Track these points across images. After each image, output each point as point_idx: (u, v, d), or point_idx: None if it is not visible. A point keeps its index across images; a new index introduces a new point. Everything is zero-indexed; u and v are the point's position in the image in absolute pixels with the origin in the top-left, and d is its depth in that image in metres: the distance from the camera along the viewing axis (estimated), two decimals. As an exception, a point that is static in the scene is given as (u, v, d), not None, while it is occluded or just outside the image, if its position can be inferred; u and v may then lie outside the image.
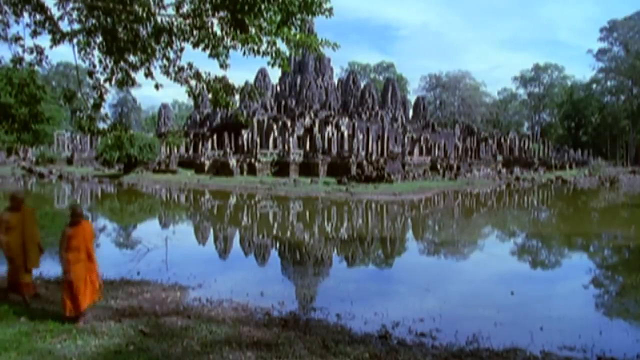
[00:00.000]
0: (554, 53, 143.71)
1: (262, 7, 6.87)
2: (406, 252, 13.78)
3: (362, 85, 62.62)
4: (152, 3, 7.51)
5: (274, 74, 66.27)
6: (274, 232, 16.17)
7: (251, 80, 57.08)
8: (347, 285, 9.23)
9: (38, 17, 7.85)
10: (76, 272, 5.77)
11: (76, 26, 7.91)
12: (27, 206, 6.74)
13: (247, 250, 13.40)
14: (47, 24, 7.84)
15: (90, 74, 8.22)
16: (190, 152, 50.63)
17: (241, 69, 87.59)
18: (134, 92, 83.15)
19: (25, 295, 6.51)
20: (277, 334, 5.89)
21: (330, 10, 7.09)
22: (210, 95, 8.25)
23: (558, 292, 9.40)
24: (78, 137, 57.19)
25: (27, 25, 7.90)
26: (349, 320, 6.88)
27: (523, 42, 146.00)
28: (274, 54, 7.22)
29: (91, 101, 8.54)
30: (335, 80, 62.66)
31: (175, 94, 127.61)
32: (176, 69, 8.09)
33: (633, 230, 18.15)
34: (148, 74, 8.17)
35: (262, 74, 59.41)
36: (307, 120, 47.82)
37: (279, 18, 6.97)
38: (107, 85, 8.30)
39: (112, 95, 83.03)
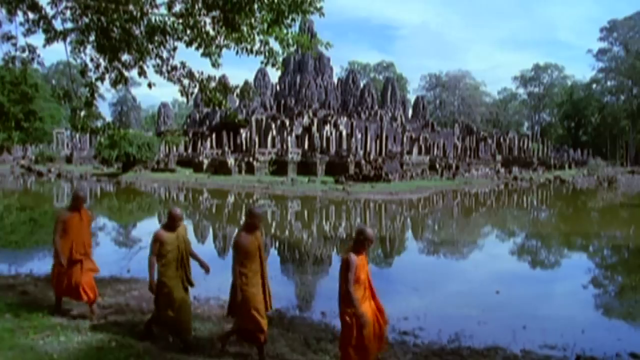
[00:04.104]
0: (554, 53, 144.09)
1: (254, 6, 6.95)
2: (399, 251, 13.83)
3: (361, 85, 62.68)
4: (145, 2, 7.57)
5: (274, 73, 66.21)
6: (270, 230, 16.21)
7: (251, 80, 57.26)
8: (335, 283, 9.27)
9: (31, 15, 7.90)
10: (367, 314, 4.52)
11: (70, 25, 7.98)
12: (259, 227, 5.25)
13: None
14: (41, 23, 7.90)
15: (83, 72, 8.28)
16: (189, 151, 50.67)
17: (242, 69, 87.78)
18: (134, 90, 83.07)
19: (263, 348, 5.11)
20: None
21: (320, 9, 7.15)
22: (203, 95, 8.31)
23: (547, 291, 9.45)
24: (77, 136, 57.04)
25: (21, 24, 7.95)
26: (334, 318, 6.86)
27: (523, 42, 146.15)
28: (267, 54, 7.29)
29: (84, 99, 8.60)
30: (335, 80, 62.64)
31: (175, 92, 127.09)
32: (169, 67, 8.14)
33: (633, 230, 18.19)
34: (141, 73, 8.22)
35: (261, 73, 59.47)
36: (306, 120, 47.85)
37: (269, 17, 7.04)
38: (99, 83, 8.37)
39: (111, 94, 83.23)
